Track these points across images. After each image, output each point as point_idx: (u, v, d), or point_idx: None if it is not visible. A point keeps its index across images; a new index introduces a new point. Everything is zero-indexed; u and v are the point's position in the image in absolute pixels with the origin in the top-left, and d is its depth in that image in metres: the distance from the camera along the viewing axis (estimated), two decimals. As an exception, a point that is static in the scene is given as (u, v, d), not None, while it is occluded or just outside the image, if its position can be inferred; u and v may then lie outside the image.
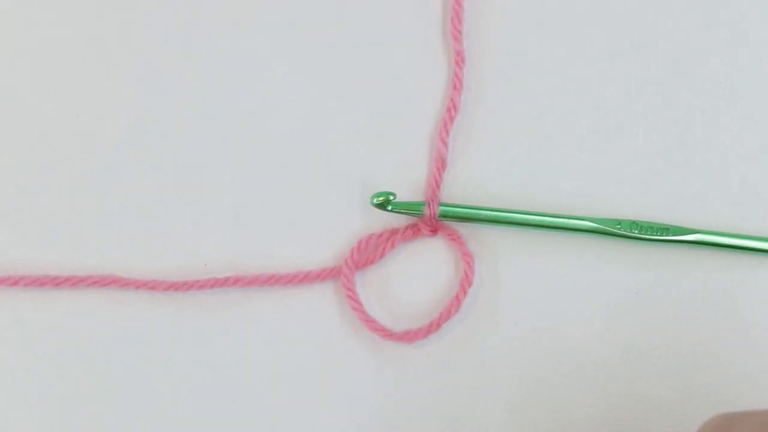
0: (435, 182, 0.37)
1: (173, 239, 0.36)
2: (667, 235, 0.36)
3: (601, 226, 0.36)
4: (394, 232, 0.37)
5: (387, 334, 0.35)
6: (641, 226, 0.36)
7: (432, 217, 0.36)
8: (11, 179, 0.37)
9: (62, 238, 0.36)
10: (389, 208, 0.36)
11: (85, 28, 0.38)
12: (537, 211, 0.36)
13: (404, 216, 0.37)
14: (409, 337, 0.35)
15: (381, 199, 0.36)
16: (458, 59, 0.37)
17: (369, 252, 0.36)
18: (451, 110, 0.37)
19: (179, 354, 0.36)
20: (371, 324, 0.35)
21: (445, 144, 0.37)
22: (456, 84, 0.37)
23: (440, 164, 0.37)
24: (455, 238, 0.36)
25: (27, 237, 0.36)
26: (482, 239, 0.37)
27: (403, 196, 0.36)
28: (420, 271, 0.37)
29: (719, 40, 0.38)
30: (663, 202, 0.37)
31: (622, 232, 0.36)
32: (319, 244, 0.37)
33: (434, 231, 0.36)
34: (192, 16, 0.38)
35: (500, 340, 0.36)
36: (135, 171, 0.37)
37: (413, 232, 0.37)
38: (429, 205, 0.36)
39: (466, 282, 0.36)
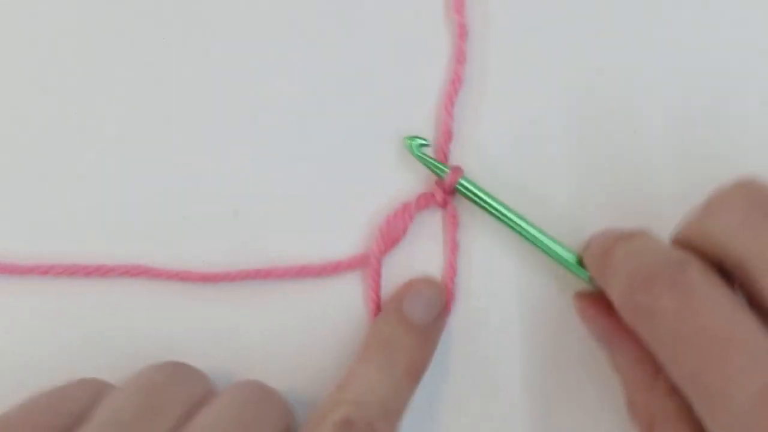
0: (443, 154, 0.37)
1: (199, 230, 0.37)
2: None
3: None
4: (407, 205, 0.37)
5: None
6: None
7: (451, 184, 0.36)
8: (36, 172, 0.37)
9: (92, 228, 0.37)
10: (418, 153, 0.37)
11: (86, 24, 0.38)
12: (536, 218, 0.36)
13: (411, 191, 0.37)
14: None
15: (415, 141, 0.37)
16: (461, 32, 0.38)
17: (392, 232, 0.37)
18: (455, 83, 0.38)
19: (209, 345, 0.36)
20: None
21: (450, 116, 0.37)
22: (459, 57, 0.38)
23: (447, 137, 0.37)
24: (452, 222, 0.37)
25: (55, 227, 0.37)
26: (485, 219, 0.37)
27: (407, 171, 0.37)
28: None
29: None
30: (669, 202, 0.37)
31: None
32: (331, 228, 0.37)
33: (445, 203, 0.37)
34: (191, 6, 0.38)
35: (489, 332, 0.37)
36: (156, 164, 0.38)
37: (426, 200, 0.37)
38: (453, 171, 0.36)
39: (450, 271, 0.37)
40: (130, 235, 0.37)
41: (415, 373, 0.34)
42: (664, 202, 0.37)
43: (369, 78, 0.38)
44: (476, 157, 0.38)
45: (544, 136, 0.38)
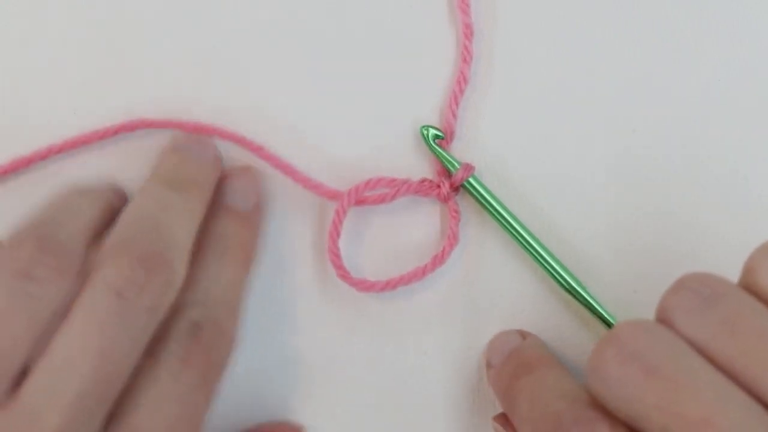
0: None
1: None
2: None
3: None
4: (400, 180, 0.37)
5: (343, 274, 0.36)
6: None
7: (460, 180, 0.36)
8: (38, 174, 0.37)
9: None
10: (432, 144, 0.37)
11: (84, 20, 0.38)
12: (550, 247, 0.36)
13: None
14: (364, 286, 0.36)
15: (430, 131, 0.37)
16: (467, 32, 0.38)
17: (375, 191, 0.37)
18: (461, 83, 0.37)
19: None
20: (335, 259, 0.36)
21: (454, 116, 0.37)
22: (465, 56, 0.38)
23: (450, 135, 0.37)
24: (455, 216, 0.37)
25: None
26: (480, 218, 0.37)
27: (410, 168, 0.37)
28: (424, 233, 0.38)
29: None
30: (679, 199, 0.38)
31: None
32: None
33: (448, 197, 0.37)
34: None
35: (459, 324, 0.37)
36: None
37: (428, 188, 0.36)
38: (465, 167, 0.36)
39: (438, 259, 0.36)
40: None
41: (247, 260, 0.34)
42: (657, 205, 0.38)
43: (375, 76, 0.38)
44: (477, 156, 0.37)
45: (547, 138, 0.38)
